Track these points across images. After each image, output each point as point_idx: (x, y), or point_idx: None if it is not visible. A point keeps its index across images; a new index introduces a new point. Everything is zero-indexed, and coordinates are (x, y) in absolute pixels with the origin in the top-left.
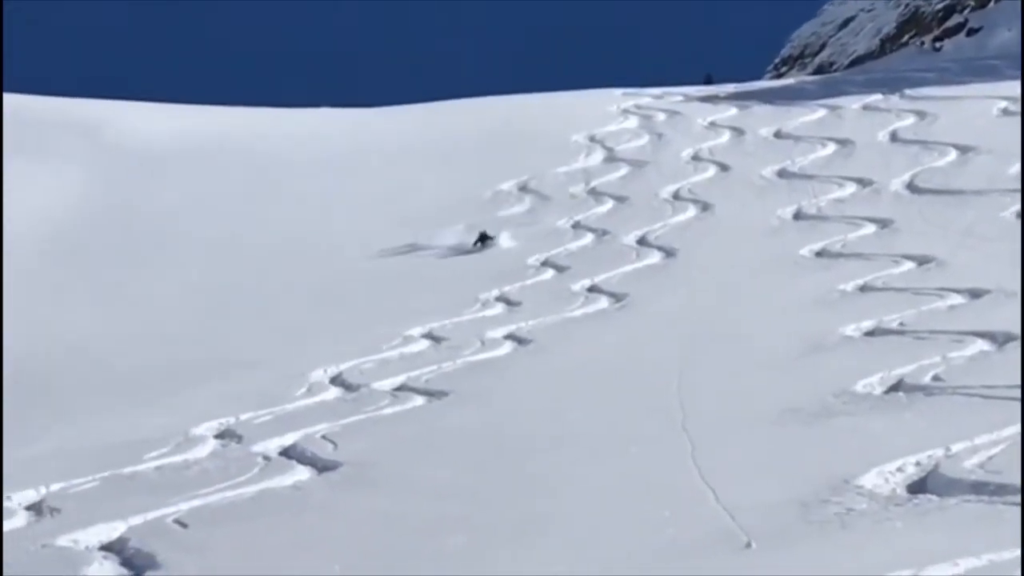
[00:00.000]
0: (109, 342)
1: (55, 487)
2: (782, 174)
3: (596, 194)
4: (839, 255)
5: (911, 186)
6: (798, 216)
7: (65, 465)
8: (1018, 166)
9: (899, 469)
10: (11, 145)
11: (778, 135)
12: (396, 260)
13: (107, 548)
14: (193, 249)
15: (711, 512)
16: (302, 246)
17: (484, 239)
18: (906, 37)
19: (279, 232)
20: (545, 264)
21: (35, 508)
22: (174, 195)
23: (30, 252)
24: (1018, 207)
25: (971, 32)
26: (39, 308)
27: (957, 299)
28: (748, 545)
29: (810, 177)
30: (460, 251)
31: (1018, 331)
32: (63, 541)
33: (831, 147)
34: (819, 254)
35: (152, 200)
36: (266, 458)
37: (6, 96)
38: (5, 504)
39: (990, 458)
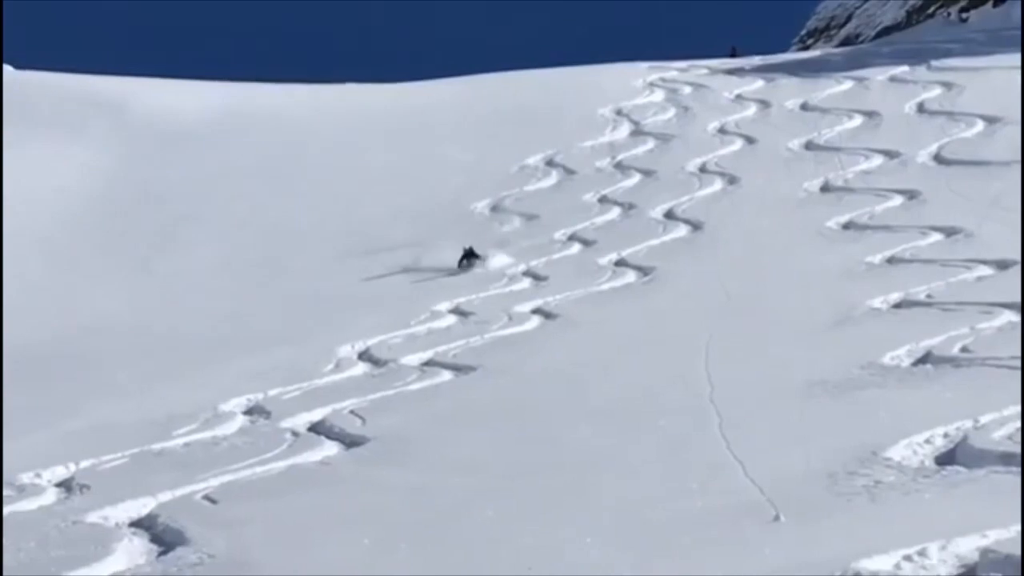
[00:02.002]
0: (137, 319)
1: (85, 464)
2: (809, 146)
3: (622, 168)
4: (866, 227)
5: (938, 157)
6: (825, 188)
7: (94, 442)
8: None
9: (927, 441)
10: (37, 122)
11: (804, 107)
12: (422, 235)
13: (137, 524)
14: (220, 225)
15: (739, 484)
16: (328, 222)
17: (470, 256)
18: (932, 8)
19: (305, 207)
20: (572, 238)
21: (65, 485)
22: (200, 171)
23: (58, 230)
24: None
25: (997, 2)
26: (68, 286)
27: (985, 270)
28: (777, 518)
29: (837, 149)
30: (487, 225)
31: None
32: (93, 517)
33: (858, 119)
34: (846, 226)
35: (179, 176)
36: (295, 434)
37: (30, 73)
38: (35, 481)
39: (1018, 429)
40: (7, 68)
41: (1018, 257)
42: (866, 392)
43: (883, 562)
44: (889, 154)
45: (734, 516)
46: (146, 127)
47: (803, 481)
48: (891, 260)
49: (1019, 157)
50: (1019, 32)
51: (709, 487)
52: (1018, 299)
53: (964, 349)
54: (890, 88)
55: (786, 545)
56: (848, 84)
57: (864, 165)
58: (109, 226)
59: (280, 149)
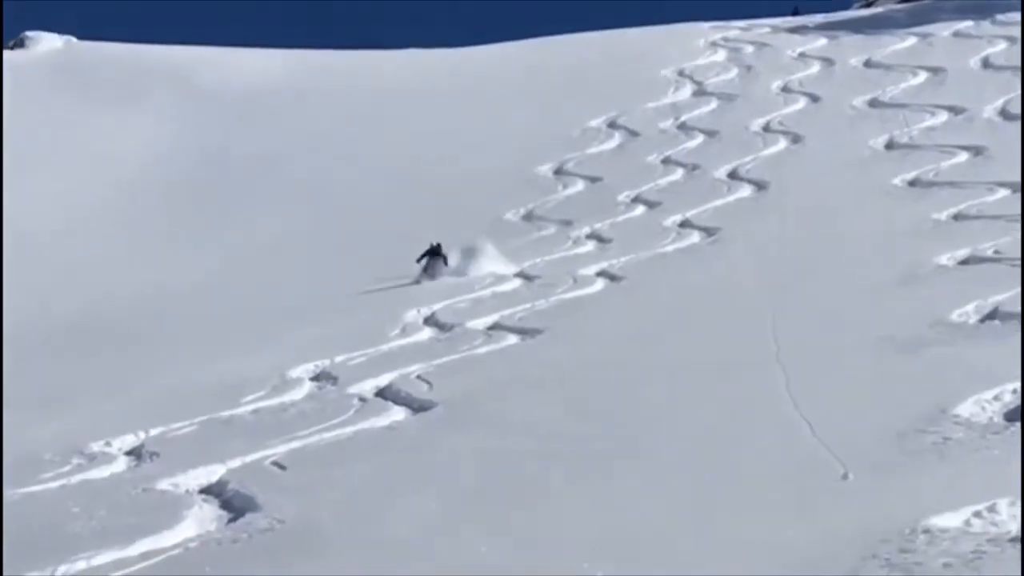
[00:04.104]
0: (204, 287)
1: (154, 432)
2: (873, 104)
3: (686, 128)
4: (932, 184)
5: (1004, 112)
6: (890, 146)
7: (164, 410)
8: None
9: (996, 397)
10: (101, 93)
11: (868, 64)
12: (487, 202)
13: (207, 491)
14: (285, 193)
15: (807, 444)
16: (394, 188)
17: (433, 255)
18: None
19: (372, 174)
20: (636, 200)
21: (135, 453)
22: (267, 139)
23: (123, 199)
24: None
25: None
26: (133, 255)
27: None
28: (845, 476)
29: (902, 106)
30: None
31: None
32: (163, 485)
33: (922, 75)
34: (912, 183)
35: (245, 145)
36: (362, 399)
37: (94, 44)
38: (105, 450)
39: None
40: (70, 39)
41: None
42: (934, 350)
43: (952, 519)
44: (954, 110)
45: (802, 476)
46: (209, 97)
47: (872, 439)
48: (957, 217)
49: None
50: None
51: (777, 447)
52: None
53: None
54: (954, 43)
55: (855, 504)
56: (912, 40)
57: (929, 122)
58: (173, 196)
59: (344, 117)
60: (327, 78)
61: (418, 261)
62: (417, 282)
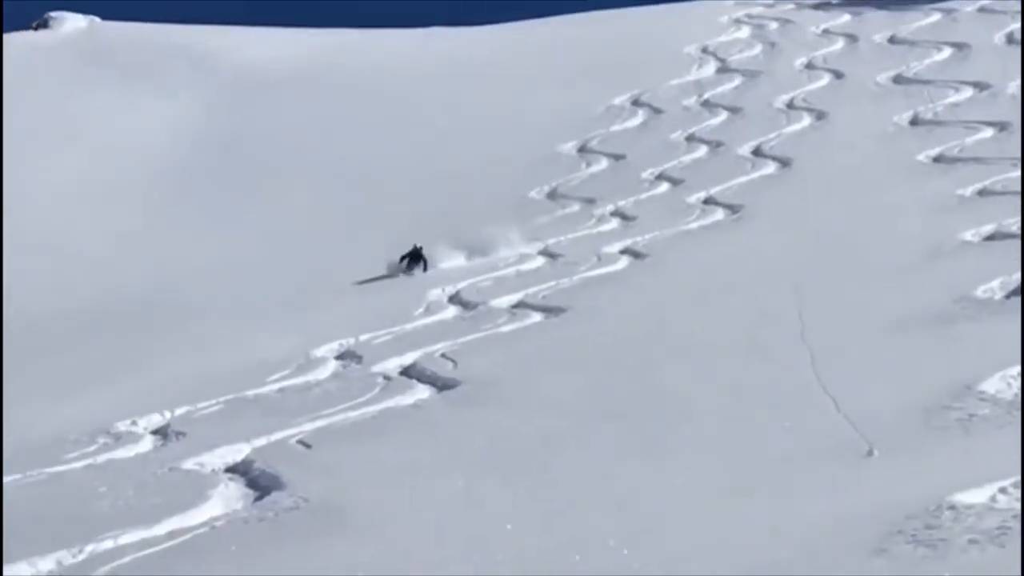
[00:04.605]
0: (228, 267)
1: (180, 411)
2: (898, 80)
3: (709, 105)
4: (957, 159)
5: None
6: (915, 122)
7: (189, 389)
8: None
9: (1022, 373)
10: (124, 73)
11: (892, 40)
12: (511, 180)
13: (232, 470)
14: (309, 173)
15: (832, 421)
16: (417, 167)
17: (414, 259)
18: None
19: (393, 153)
20: (660, 178)
21: (161, 432)
22: (288, 120)
23: (147, 180)
24: None
25: None
26: (158, 236)
27: None
28: (870, 453)
29: (926, 82)
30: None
31: None
32: (189, 464)
33: (947, 51)
34: (936, 159)
35: (265, 125)
36: (387, 378)
37: (117, 24)
38: (132, 429)
39: None
40: (94, 19)
41: None
42: (959, 326)
43: (978, 495)
44: (979, 86)
45: (827, 452)
46: (232, 77)
47: (897, 416)
48: (982, 192)
49: None
50: None
51: (801, 424)
52: None
53: None
54: (979, 19)
55: (879, 480)
56: (936, 16)
57: (954, 97)
58: (197, 176)
59: (367, 97)
60: (350, 57)
61: (400, 261)
62: (395, 276)
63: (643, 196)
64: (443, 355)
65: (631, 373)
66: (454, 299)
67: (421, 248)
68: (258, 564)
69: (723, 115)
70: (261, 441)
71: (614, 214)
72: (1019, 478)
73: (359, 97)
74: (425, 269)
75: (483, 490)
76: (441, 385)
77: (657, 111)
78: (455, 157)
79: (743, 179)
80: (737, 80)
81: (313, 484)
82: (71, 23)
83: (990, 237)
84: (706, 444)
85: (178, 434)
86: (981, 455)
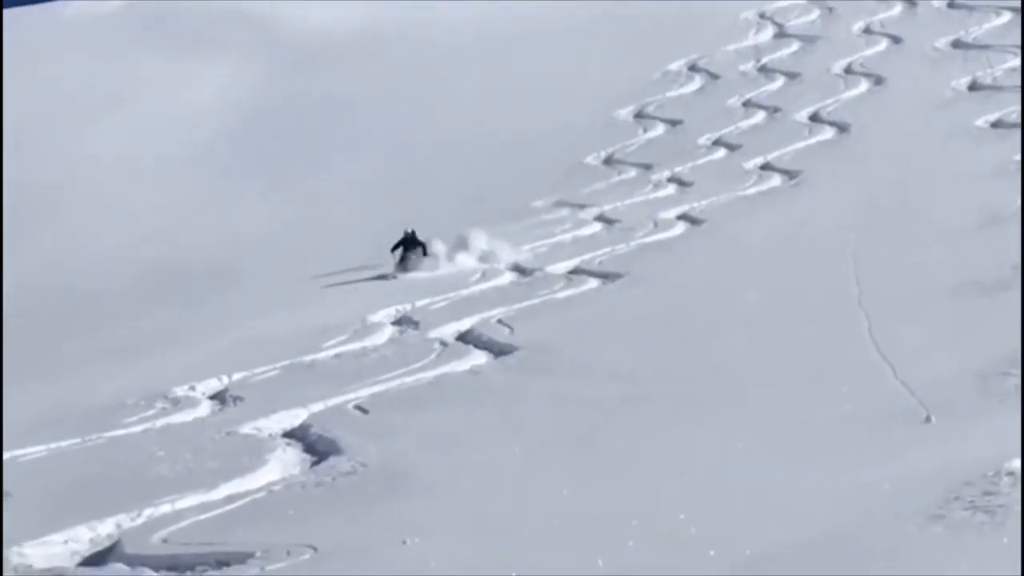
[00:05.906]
0: (286, 234)
1: (237, 376)
2: (956, 45)
3: (766, 71)
4: (1015, 125)
5: None
6: (973, 87)
7: (247, 355)
8: None
9: None
10: (182, 41)
11: (951, 5)
12: (567, 146)
13: (290, 435)
14: (363, 142)
15: (890, 387)
16: (474, 134)
17: (408, 245)
18: None
19: (451, 119)
20: (717, 143)
21: (219, 397)
22: (344, 87)
23: (204, 147)
24: None
25: None
26: (215, 203)
27: None
28: (928, 419)
29: (985, 47)
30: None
31: None
32: (247, 428)
33: (1006, 16)
34: (995, 125)
35: (321, 93)
36: (443, 343)
37: None
38: (190, 394)
39: None
40: None
41: None
42: (1016, 292)
43: None
44: None
45: (885, 419)
46: (288, 45)
47: (954, 383)
48: None
49: None
50: None
51: (859, 390)
52: None
53: None
54: None
55: (937, 446)
56: None
57: (1013, 62)
58: (256, 143)
59: (427, 64)
60: (404, 26)
61: (393, 251)
62: (393, 277)
63: (700, 162)
64: (499, 321)
65: (687, 339)
66: (511, 265)
67: (414, 232)
68: (316, 528)
69: (780, 80)
70: (318, 406)
71: (671, 180)
72: None
73: (418, 64)
74: (425, 253)
75: (539, 455)
76: (497, 351)
77: (714, 76)
78: (513, 124)
79: (800, 145)
80: (795, 45)
81: (370, 449)
82: None
83: None
84: (763, 410)
85: (236, 399)
86: None
